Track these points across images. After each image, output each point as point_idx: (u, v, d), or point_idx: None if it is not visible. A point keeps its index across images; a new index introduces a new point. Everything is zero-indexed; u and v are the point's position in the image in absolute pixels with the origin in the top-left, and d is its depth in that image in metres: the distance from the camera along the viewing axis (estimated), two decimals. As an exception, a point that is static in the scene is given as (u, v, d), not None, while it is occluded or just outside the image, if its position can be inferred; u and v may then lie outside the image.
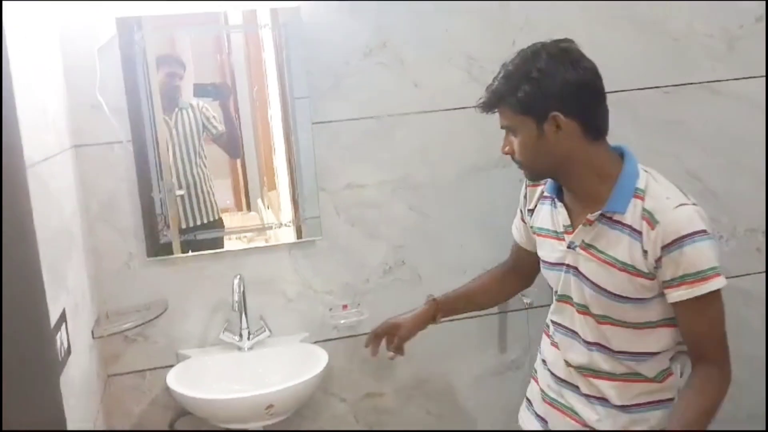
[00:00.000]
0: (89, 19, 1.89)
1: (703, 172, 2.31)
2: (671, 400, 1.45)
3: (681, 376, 1.47)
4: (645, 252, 1.35)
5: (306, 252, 2.13)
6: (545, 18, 2.15)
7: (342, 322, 2.14)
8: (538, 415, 1.64)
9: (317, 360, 1.96)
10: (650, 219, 1.34)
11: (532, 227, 1.62)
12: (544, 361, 1.62)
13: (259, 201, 2.15)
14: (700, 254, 1.32)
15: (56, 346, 1.37)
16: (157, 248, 2.02)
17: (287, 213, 2.12)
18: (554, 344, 1.58)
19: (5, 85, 0.91)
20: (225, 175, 2.15)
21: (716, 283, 1.32)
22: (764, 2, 2.26)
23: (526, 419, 1.69)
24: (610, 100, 2.13)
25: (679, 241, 1.31)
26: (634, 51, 2.23)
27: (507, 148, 1.45)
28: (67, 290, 1.61)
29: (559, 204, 1.50)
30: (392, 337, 1.76)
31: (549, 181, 1.53)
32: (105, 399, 1.95)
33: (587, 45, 2.11)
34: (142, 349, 2.05)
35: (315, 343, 2.10)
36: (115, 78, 1.92)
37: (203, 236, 2.06)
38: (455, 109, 2.12)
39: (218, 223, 2.10)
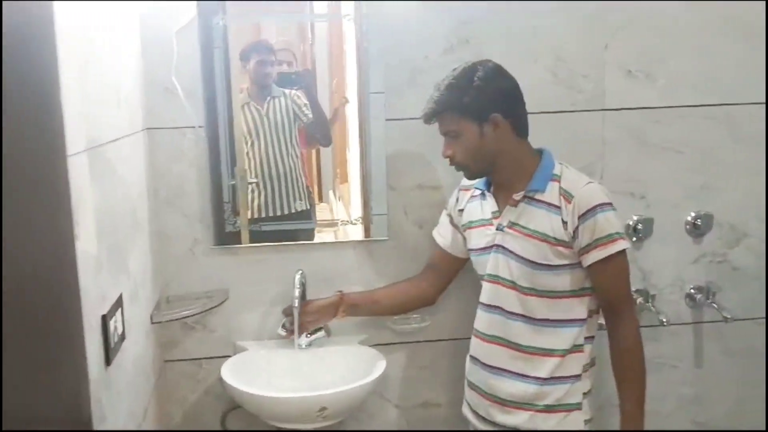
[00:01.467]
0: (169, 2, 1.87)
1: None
2: (577, 376, 1.68)
3: (589, 363, 1.71)
4: (564, 223, 1.61)
5: (371, 251, 2.06)
6: (643, 20, 2.02)
7: (403, 327, 2.06)
8: (466, 402, 1.86)
9: (375, 364, 1.89)
10: (566, 195, 1.62)
11: (463, 225, 1.83)
12: (471, 357, 1.82)
13: (331, 193, 2.09)
14: (609, 221, 1.60)
15: (108, 332, 1.34)
16: (223, 237, 2.00)
17: (356, 209, 2.06)
18: (477, 336, 1.79)
19: (50, 80, 0.87)
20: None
21: (622, 245, 1.61)
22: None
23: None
24: (710, 113, 2.05)
25: (592, 211, 1.59)
26: (740, 60, 2.07)
27: (449, 152, 1.67)
28: (128, 274, 1.59)
29: (488, 194, 1.75)
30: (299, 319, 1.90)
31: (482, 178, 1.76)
32: (159, 385, 1.93)
33: (687, 51, 2.02)
34: (200, 337, 2.04)
35: (373, 346, 2.04)
36: (191, 62, 1.90)
37: (269, 228, 2.02)
38: (538, 113, 2.00)
39: (304, 215, 2.06)
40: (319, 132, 2.04)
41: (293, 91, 1.99)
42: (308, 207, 2.06)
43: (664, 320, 2.04)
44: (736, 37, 2.06)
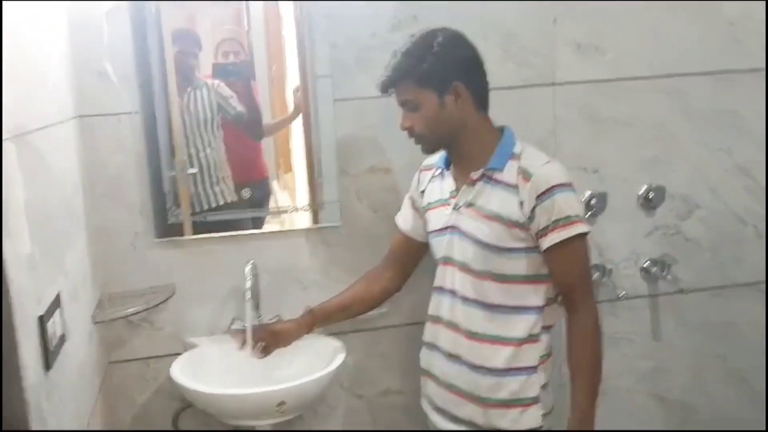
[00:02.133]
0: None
1: (754, 167, 2.15)
2: (533, 368, 1.60)
3: (545, 354, 1.62)
4: (521, 203, 1.53)
5: (324, 238, 1.99)
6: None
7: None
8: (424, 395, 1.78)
9: (333, 354, 1.83)
10: (525, 174, 1.53)
11: (424, 207, 1.74)
12: (426, 343, 1.75)
13: (275, 183, 2.01)
14: (567, 202, 1.52)
15: (47, 335, 1.24)
16: (166, 229, 1.90)
17: (304, 196, 1.99)
18: (431, 320, 1.72)
19: None
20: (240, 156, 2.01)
21: (581, 227, 1.53)
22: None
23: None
24: (660, 86, 2.04)
25: (550, 191, 1.51)
26: (687, 35, 2.07)
27: (408, 123, 1.58)
28: (65, 273, 1.48)
29: (447, 173, 1.67)
30: (269, 342, 1.80)
31: (441, 156, 1.69)
32: (105, 387, 1.82)
33: (636, 25, 2.00)
34: (147, 335, 1.93)
35: (330, 335, 1.97)
36: (124, 44, 1.79)
37: (214, 218, 1.93)
38: (490, 89, 1.96)
39: (233, 206, 1.96)
40: (248, 125, 1.94)
41: (217, 82, 1.89)
42: (231, 200, 1.96)
43: (622, 293, 2.03)
44: (684, 8, 2.05)
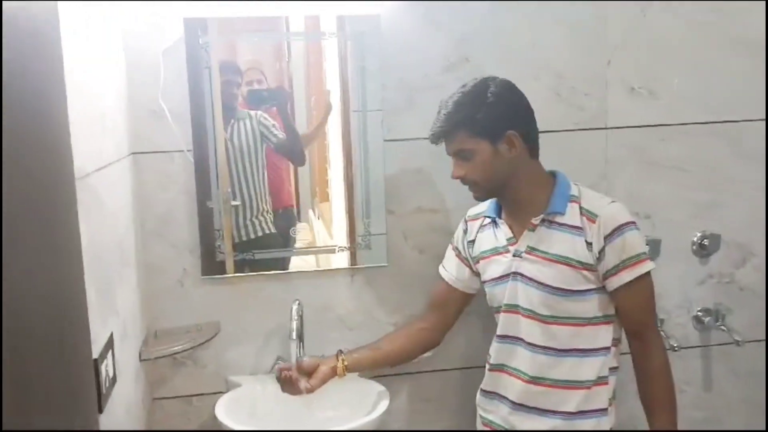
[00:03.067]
0: (155, 19, 1.77)
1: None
2: (603, 410, 1.59)
3: (612, 397, 1.61)
4: (589, 244, 1.53)
5: (370, 278, 1.97)
6: (645, 37, 1.97)
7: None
8: None
9: (378, 398, 1.80)
10: (589, 215, 1.54)
11: (474, 257, 1.72)
12: (485, 392, 1.72)
13: (311, 212, 2.00)
14: (636, 241, 1.53)
15: (100, 378, 1.23)
16: (213, 266, 1.89)
17: (344, 235, 1.97)
18: (493, 369, 1.69)
19: (58, 91, 0.78)
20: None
21: (649, 265, 1.55)
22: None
23: None
24: (714, 129, 2.00)
25: (619, 230, 1.52)
26: (741, 78, 2.03)
27: (461, 172, 1.58)
28: (117, 312, 1.48)
29: (500, 221, 1.65)
30: (308, 376, 1.71)
31: (489, 205, 1.69)
32: (150, 425, 1.81)
33: (690, 68, 1.97)
34: (191, 373, 1.92)
35: (374, 378, 1.94)
36: (178, 83, 1.80)
37: (261, 256, 1.92)
38: (541, 132, 1.93)
39: (276, 241, 1.95)
40: (291, 151, 1.94)
41: (260, 113, 1.90)
42: (272, 231, 1.95)
43: (675, 345, 1.97)
44: (738, 53, 2.01)
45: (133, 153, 1.79)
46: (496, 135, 1.53)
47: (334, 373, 1.72)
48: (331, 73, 1.93)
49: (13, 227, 0.65)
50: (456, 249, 1.79)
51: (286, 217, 1.98)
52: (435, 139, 1.59)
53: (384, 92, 1.90)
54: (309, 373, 1.71)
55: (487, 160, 1.54)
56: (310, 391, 1.69)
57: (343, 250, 1.97)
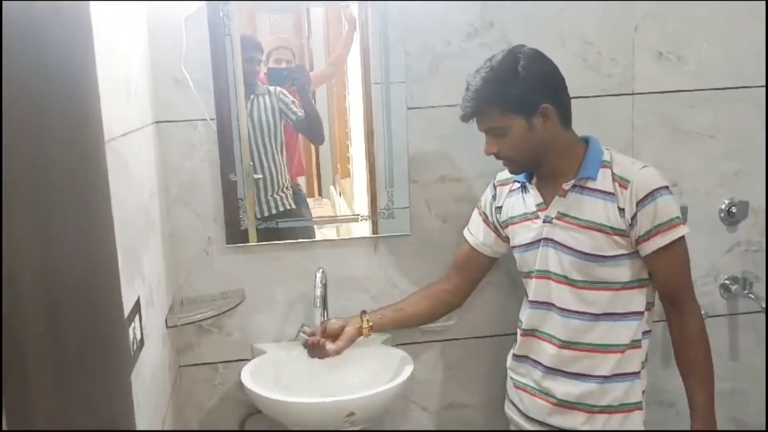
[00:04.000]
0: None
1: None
2: (636, 374, 1.59)
3: (645, 360, 1.61)
4: (621, 210, 1.51)
5: (393, 247, 1.97)
6: (671, 5, 1.92)
7: (429, 326, 1.97)
8: (511, 403, 1.75)
9: (401, 365, 1.80)
10: (621, 181, 1.52)
11: (503, 222, 1.71)
12: (517, 356, 1.72)
13: (332, 188, 2.00)
14: (669, 206, 1.50)
15: (129, 340, 1.24)
16: (237, 235, 1.90)
17: (365, 205, 1.96)
18: (525, 334, 1.68)
19: (86, 55, 0.77)
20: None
21: (683, 230, 1.52)
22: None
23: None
24: (743, 96, 1.96)
25: (651, 195, 1.49)
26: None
27: (495, 149, 1.55)
28: (143, 277, 1.49)
29: (530, 186, 1.63)
30: (333, 339, 1.75)
31: None
32: (175, 391, 1.84)
33: (719, 34, 1.93)
34: (216, 340, 1.94)
35: (397, 345, 1.95)
36: (200, 51, 1.80)
37: (285, 225, 1.93)
38: (566, 98, 1.92)
39: (295, 212, 1.96)
40: (310, 130, 1.94)
41: (279, 89, 1.89)
42: (293, 207, 1.95)
43: (702, 314, 1.94)
44: (760, 21, 1.96)
45: (157, 122, 1.80)
46: (529, 110, 1.50)
47: (359, 333, 1.76)
48: (353, 44, 1.91)
49: (46, 189, 0.65)
50: (483, 214, 1.78)
51: (305, 192, 1.99)
52: (466, 118, 1.56)
53: (406, 59, 1.88)
54: (334, 336, 1.74)
55: (522, 136, 1.51)
56: (337, 353, 1.72)
57: (365, 219, 1.96)
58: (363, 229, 1.97)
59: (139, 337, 1.36)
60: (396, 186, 1.94)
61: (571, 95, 1.88)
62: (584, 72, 1.93)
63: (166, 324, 1.73)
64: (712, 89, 1.98)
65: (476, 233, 1.79)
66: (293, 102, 1.90)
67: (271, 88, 1.89)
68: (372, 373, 1.82)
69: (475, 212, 1.81)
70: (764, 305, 2.01)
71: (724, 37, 1.97)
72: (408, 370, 1.77)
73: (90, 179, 0.80)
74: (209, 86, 1.82)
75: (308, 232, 1.97)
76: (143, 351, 1.41)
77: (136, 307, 1.36)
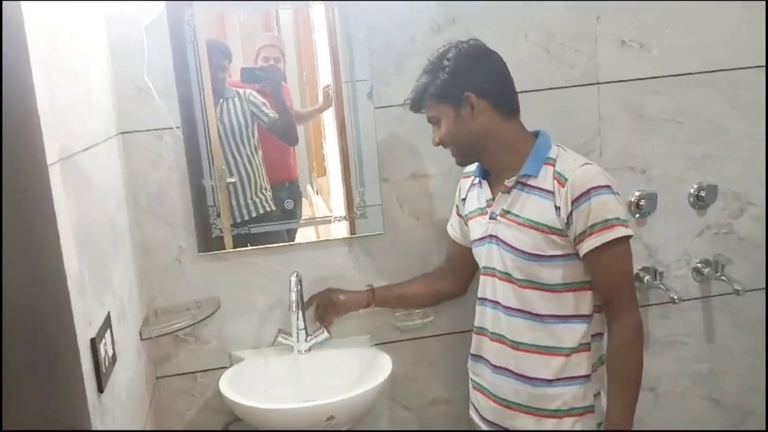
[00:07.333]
0: (136, -6, 1.74)
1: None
2: (586, 377, 1.55)
3: (598, 362, 1.58)
4: (557, 209, 1.48)
5: (367, 247, 1.96)
6: (636, -10, 1.93)
7: (406, 323, 1.97)
8: (472, 404, 1.77)
9: (381, 366, 1.81)
10: (560, 178, 1.49)
11: (465, 216, 1.73)
12: (472, 355, 1.73)
13: (308, 187, 1.99)
14: (605, 205, 1.46)
15: (99, 357, 1.23)
16: (209, 242, 1.88)
17: (339, 202, 1.96)
18: (477, 332, 1.70)
19: (25, 82, 0.76)
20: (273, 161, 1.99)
21: (621, 231, 1.46)
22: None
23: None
24: (708, 81, 1.97)
25: (586, 194, 1.45)
26: (734, 27, 2.00)
27: (436, 139, 1.59)
28: (113, 291, 1.47)
29: (483, 182, 1.64)
30: (327, 308, 1.89)
31: (477, 165, 1.66)
32: (154, 403, 1.82)
33: (681, 20, 1.95)
34: (193, 349, 1.93)
35: (376, 345, 1.95)
36: (163, 59, 1.78)
37: (257, 230, 1.92)
38: (531, 91, 1.92)
39: (272, 215, 1.94)
40: (282, 131, 1.93)
41: (249, 91, 1.87)
42: (273, 209, 1.94)
43: (675, 297, 1.96)
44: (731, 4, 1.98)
45: (122, 132, 1.78)
46: (454, 99, 1.53)
47: (365, 302, 1.88)
48: (321, 44, 1.90)
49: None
50: (456, 206, 1.82)
51: (285, 193, 1.97)
52: (411, 109, 1.63)
53: (372, 58, 1.87)
54: (338, 304, 1.87)
55: (453, 125, 1.54)
56: (342, 310, 1.89)
57: (339, 220, 1.96)
58: (340, 228, 1.96)
59: (111, 352, 1.34)
60: (367, 185, 1.94)
61: (536, 87, 1.90)
62: (549, 64, 1.94)
63: (141, 336, 1.71)
64: (676, 75, 1.99)
65: (454, 226, 1.83)
66: (264, 104, 1.89)
67: (241, 91, 1.88)
68: (351, 375, 1.82)
69: (455, 205, 1.84)
70: (737, 287, 2.03)
71: (686, 22, 1.98)
72: (387, 370, 1.77)
73: (31, 199, 0.78)
74: (174, 94, 1.80)
75: (285, 237, 1.95)
76: (117, 365, 1.39)
77: (107, 323, 1.34)
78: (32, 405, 0.72)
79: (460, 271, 1.86)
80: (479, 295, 1.68)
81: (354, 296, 1.88)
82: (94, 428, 1.15)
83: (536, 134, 1.60)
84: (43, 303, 0.77)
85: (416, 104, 1.61)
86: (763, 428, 2.19)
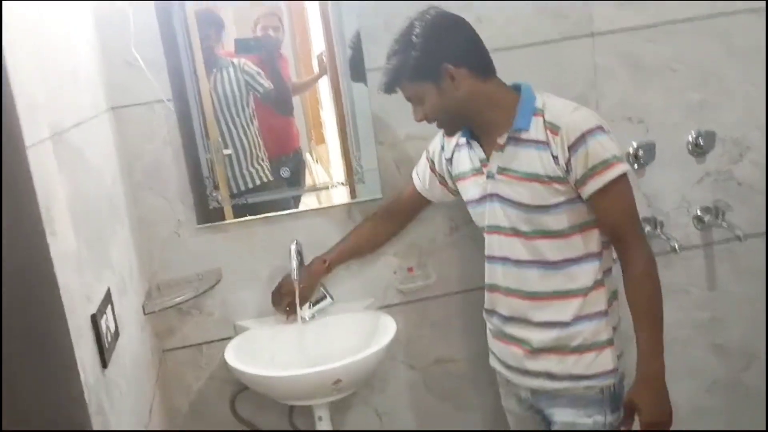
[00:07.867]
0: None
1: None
2: (603, 312, 1.58)
3: (612, 296, 1.61)
4: (555, 158, 1.49)
5: (366, 211, 1.96)
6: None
7: (408, 286, 1.97)
8: (492, 353, 1.77)
9: (385, 328, 1.81)
10: (552, 128, 1.49)
11: (454, 176, 1.72)
12: (487, 311, 1.73)
13: (308, 155, 1.97)
14: (602, 145, 1.47)
15: (101, 332, 1.23)
16: (207, 214, 1.88)
17: (339, 169, 1.95)
18: (489, 290, 1.70)
19: None
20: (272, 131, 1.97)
21: (620, 168, 1.48)
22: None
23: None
24: (703, 27, 1.95)
25: (581, 138, 1.46)
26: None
27: (420, 116, 1.58)
28: (112, 267, 1.47)
29: (474, 143, 1.63)
30: (283, 296, 1.89)
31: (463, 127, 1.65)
32: (161, 376, 1.83)
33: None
34: (198, 321, 1.94)
35: (380, 308, 1.95)
36: (150, 31, 1.75)
37: (255, 199, 1.91)
38: (524, 46, 1.89)
39: (270, 185, 1.93)
40: (277, 101, 1.91)
41: (243, 60, 1.85)
42: (270, 179, 1.93)
43: (676, 246, 1.96)
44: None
45: (113, 107, 1.76)
46: (432, 74, 1.50)
47: (320, 273, 1.89)
48: (312, 7, 1.88)
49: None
50: (431, 161, 1.80)
51: (291, 163, 1.96)
52: (386, 91, 1.59)
53: (361, 20, 1.85)
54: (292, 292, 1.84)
55: (437, 100, 1.52)
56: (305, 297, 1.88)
57: (336, 186, 1.95)
58: (340, 194, 1.96)
59: (113, 328, 1.34)
60: (364, 149, 1.92)
61: (530, 41, 1.88)
62: (542, 17, 1.91)
63: (144, 311, 1.72)
64: (670, 22, 1.96)
65: (423, 178, 1.83)
66: (258, 73, 1.87)
67: (235, 60, 1.85)
68: (356, 339, 1.83)
69: (423, 157, 1.83)
70: (738, 233, 2.03)
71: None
72: (391, 332, 1.78)
73: (9, 182, 0.77)
74: (164, 66, 1.78)
75: (279, 205, 1.95)
76: (120, 340, 1.40)
77: (107, 298, 1.34)
78: (23, 389, 0.72)
79: (405, 216, 1.93)
80: (487, 253, 1.67)
81: (312, 278, 1.88)
82: (99, 403, 1.16)
83: (517, 88, 1.58)
84: (29, 287, 0.77)
85: (391, 87, 1.57)
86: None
